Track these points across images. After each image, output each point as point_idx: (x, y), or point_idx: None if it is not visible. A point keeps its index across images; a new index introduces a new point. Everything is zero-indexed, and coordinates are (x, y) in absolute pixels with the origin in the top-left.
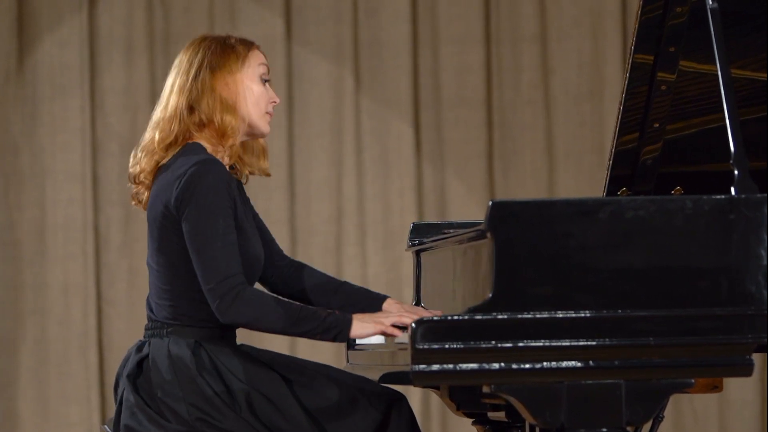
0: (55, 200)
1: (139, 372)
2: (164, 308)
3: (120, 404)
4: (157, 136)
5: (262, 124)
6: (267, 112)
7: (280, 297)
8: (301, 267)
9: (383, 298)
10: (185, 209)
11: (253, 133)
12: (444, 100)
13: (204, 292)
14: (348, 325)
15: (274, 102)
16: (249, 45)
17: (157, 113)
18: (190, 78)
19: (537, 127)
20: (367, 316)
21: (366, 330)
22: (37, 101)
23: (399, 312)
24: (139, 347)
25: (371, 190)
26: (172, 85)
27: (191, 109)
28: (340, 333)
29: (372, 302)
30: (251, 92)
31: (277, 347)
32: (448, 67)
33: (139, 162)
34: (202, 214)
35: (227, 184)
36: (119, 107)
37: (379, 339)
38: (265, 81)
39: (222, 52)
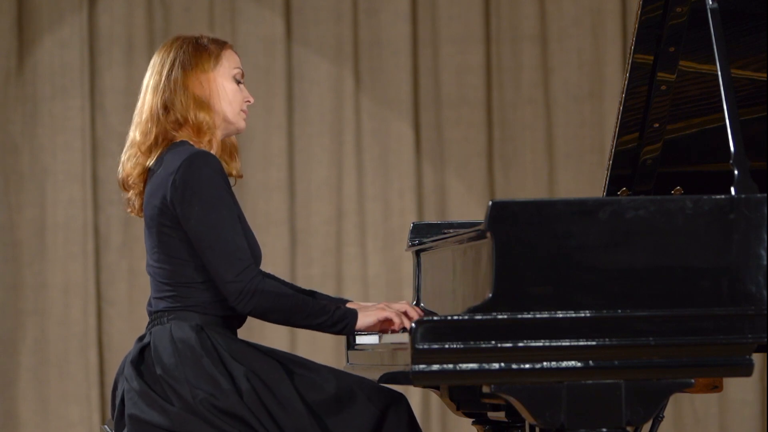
0: (55, 200)
1: (141, 360)
2: (164, 299)
3: (121, 403)
4: (137, 138)
5: (238, 121)
6: (242, 110)
7: (291, 289)
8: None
9: (345, 301)
10: (186, 206)
11: (229, 130)
12: (444, 100)
13: (219, 285)
14: (354, 317)
15: (248, 101)
16: (222, 44)
17: (135, 114)
18: (163, 77)
19: (537, 127)
20: (370, 306)
21: (370, 319)
22: (37, 101)
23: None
24: (140, 338)
25: (371, 190)
26: (147, 86)
27: (166, 108)
28: (347, 326)
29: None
30: (224, 90)
31: (278, 345)
32: (448, 67)
33: (123, 165)
34: (205, 210)
35: (222, 174)
36: (119, 107)
37: (374, 339)
38: (239, 81)
39: (194, 51)
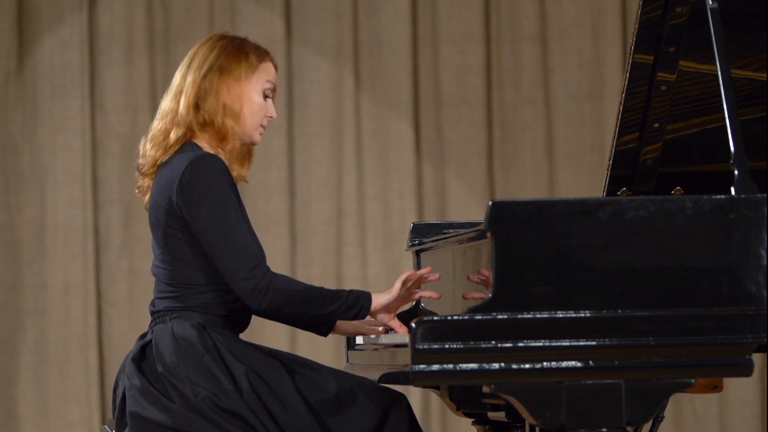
0: (55, 200)
1: (142, 357)
2: (167, 299)
3: (122, 400)
4: (164, 127)
5: (254, 135)
6: (261, 125)
7: (301, 281)
8: None
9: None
10: (193, 208)
11: (243, 141)
12: (444, 100)
13: (231, 284)
14: (368, 299)
15: (271, 117)
16: (263, 56)
17: (166, 102)
18: (201, 76)
19: (537, 127)
20: (383, 291)
21: (384, 299)
22: (37, 101)
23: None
24: (142, 336)
25: (371, 190)
26: (184, 78)
27: (197, 107)
28: (362, 308)
29: None
30: (251, 103)
31: (278, 346)
32: (448, 67)
33: (146, 152)
34: (212, 210)
35: (228, 175)
36: (119, 107)
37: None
38: (267, 96)
39: (235, 57)
